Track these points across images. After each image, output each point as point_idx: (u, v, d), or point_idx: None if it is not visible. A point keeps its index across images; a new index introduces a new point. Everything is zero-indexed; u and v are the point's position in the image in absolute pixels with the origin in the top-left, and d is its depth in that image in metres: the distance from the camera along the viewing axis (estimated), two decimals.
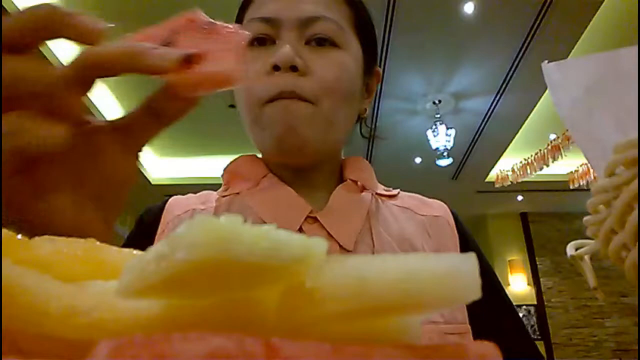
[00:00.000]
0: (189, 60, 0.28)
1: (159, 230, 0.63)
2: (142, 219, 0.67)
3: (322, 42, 0.60)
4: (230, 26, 0.34)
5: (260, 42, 0.61)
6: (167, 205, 0.66)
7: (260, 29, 0.61)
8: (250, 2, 0.66)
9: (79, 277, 0.17)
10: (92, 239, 0.20)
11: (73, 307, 0.15)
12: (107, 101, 4.98)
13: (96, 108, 4.79)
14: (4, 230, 0.18)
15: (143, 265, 0.14)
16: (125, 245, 0.65)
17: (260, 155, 0.69)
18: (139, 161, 0.33)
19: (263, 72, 0.58)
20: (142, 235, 0.63)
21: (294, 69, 0.57)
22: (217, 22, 0.35)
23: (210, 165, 5.93)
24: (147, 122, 0.32)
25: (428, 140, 5.13)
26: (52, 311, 0.15)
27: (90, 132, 0.31)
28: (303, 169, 0.64)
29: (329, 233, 0.58)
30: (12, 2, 3.57)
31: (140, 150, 0.33)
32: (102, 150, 0.31)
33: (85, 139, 0.30)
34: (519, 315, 0.65)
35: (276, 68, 0.57)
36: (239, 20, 0.67)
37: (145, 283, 0.13)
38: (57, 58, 4.11)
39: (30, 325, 0.15)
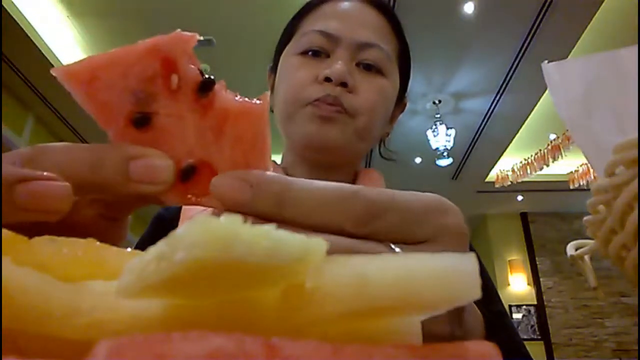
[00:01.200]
0: (184, 178, 0.25)
1: (180, 226, 0.63)
2: (161, 216, 0.69)
3: (370, 67, 0.65)
4: (241, 100, 0.26)
5: (315, 53, 0.65)
6: None
7: (319, 41, 0.64)
8: (307, 13, 0.69)
9: (79, 277, 0.17)
10: (92, 239, 0.20)
11: (73, 307, 0.15)
12: None
13: None
14: (4, 230, 0.18)
15: (143, 266, 0.14)
16: (141, 242, 0.66)
17: (278, 162, 0.72)
18: (125, 224, 0.31)
19: (312, 80, 0.62)
20: (162, 232, 0.64)
21: (343, 85, 0.61)
22: (221, 87, 0.26)
23: None
24: (131, 200, 0.29)
25: (428, 140, 5.13)
26: (52, 311, 0.15)
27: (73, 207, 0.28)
28: (321, 166, 0.66)
29: None
30: (12, 2, 3.56)
31: (125, 217, 0.31)
32: (86, 224, 0.29)
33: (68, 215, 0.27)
34: (507, 315, 0.68)
35: (328, 80, 0.61)
36: (292, 27, 0.70)
37: (145, 283, 0.13)
38: (58, 60, 4.11)
39: (30, 325, 0.15)
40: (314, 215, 0.23)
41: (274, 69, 0.72)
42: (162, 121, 0.25)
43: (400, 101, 0.74)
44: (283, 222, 0.23)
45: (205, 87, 0.25)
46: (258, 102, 0.25)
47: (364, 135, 0.64)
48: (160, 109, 0.25)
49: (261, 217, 0.23)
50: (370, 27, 0.66)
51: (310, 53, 0.64)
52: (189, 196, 0.26)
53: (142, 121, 0.25)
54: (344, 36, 0.63)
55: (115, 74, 0.25)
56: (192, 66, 0.25)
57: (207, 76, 0.25)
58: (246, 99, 0.25)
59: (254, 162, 0.25)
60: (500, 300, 0.69)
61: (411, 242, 0.25)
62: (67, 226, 0.28)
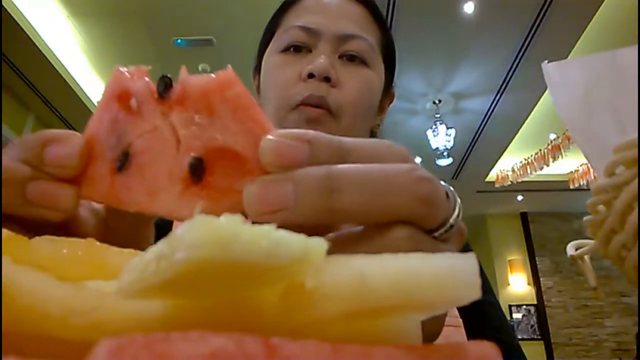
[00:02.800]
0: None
1: (174, 228, 0.64)
2: (155, 224, 0.68)
3: (354, 58, 0.64)
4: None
5: (296, 49, 0.64)
6: None
7: (300, 37, 0.64)
8: (289, 8, 0.68)
9: (79, 277, 0.17)
10: (92, 239, 0.20)
11: (73, 308, 0.15)
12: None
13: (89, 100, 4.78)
14: (4, 230, 0.18)
15: (143, 266, 0.14)
16: None
17: None
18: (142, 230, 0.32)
19: (296, 79, 0.62)
20: (157, 234, 0.64)
21: (326, 79, 0.61)
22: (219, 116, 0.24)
23: None
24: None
25: (428, 140, 5.14)
26: (52, 311, 0.15)
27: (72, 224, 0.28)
28: None
29: None
30: (12, 2, 3.57)
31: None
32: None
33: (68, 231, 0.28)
34: (503, 314, 0.68)
35: (311, 76, 0.60)
36: (274, 23, 0.70)
37: (145, 283, 0.13)
38: (59, 60, 4.11)
39: (30, 325, 0.15)
40: (372, 159, 0.23)
41: (257, 69, 0.72)
42: (139, 145, 0.24)
43: (388, 92, 0.74)
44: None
45: (164, 88, 0.24)
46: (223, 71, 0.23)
47: (350, 130, 0.63)
48: (133, 138, 0.24)
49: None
50: (352, 19, 0.65)
51: (292, 49, 0.64)
52: (213, 194, 0.23)
53: (123, 162, 0.24)
54: (325, 29, 0.63)
55: (94, 152, 0.24)
56: (143, 79, 0.24)
57: (163, 75, 0.24)
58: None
59: (262, 121, 0.23)
60: (492, 292, 0.70)
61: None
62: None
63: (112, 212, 0.30)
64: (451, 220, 0.24)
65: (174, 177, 0.23)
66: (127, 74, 0.24)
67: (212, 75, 0.23)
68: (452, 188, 0.25)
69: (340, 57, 0.64)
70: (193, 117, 0.23)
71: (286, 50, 0.64)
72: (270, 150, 0.22)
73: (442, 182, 0.24)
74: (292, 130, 0.22)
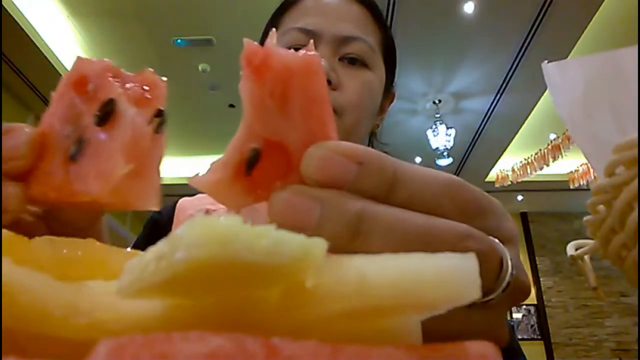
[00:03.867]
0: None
1: (173, 229, 0.64)
2: (154, 221, 0.68)
3: (354, 61, 0.63)
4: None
5: (296, 51, 0.64)
6: (177, 205, 0.69)
7: (299, 39, 0.63)
8: (288, 9, 0.68)
9: (79, 277, 0.17)
10: (92, 239, 0.20)
11: (73, 307, 0.15)
12: None
13: None
14: (4, 231, 0.18)
15: (143, 265, 0.14)
16: (135, 247, 0.66)
17: None
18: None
19: None
20: (156, 236, 0.64)
21: (327, 82, 0.60)
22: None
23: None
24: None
25: (428, 140, 5.13)
26: (52, 311, 0.15)
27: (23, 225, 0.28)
28: None
29: None
30: (12, 2, 3.56)
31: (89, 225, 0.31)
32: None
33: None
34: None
35: None
36: (273, 24, 0.69)
37: (145, 283, 0.13)
38: (59, 60, 4.11)
39: (30, 325, 0.15)
40: (423, 201, 0.21)
41: None
42: (95, 129, 0.22)
43: (388, 92, 0.73)
44: (387, 203, 0.20)
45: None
46: (309, 52, 0.21)
47: (352, 132, 0.63)
48: (90, 120, 0.23)
49: (365, 195, 0.20)
50: (351, 20, 0.65)
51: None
52: (259, 192, 0.21)
53: (77, 149, 0.23)
54: (325, 31, 0.62)
55: (49, 145, 0.23)
56: (101, 61, 0.23)
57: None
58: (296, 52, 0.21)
59: (326, 124, 0.20)
60: None
61: None
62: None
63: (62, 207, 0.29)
64: (492, 295, 0.21)
65: (231, 159, 0.21)
66: (85, 61, 0.23)
67: (297, 53, 0.21)
68: (508, 256, 0.22)
69: (340, 59, 0.63)
70: (266, 97, 0.20)
71: None
72: (315, 161, 0.20)
73: (498, 246, 0.22)
74: (349, 145, 0.20)
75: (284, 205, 0.20)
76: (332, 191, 0.20)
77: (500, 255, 0.22)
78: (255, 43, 0.21)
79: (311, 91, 0.20)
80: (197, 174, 0.21)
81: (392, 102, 0.76)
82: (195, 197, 0.70)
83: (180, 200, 0.69)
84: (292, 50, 0.21)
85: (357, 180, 0.20)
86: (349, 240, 0.19)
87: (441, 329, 0.19)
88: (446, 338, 0.20)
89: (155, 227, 0.68)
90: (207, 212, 0.66)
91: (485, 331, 0.22)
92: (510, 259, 0.22)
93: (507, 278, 0.22)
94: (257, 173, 0.21)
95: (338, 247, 0.19)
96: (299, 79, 0.20)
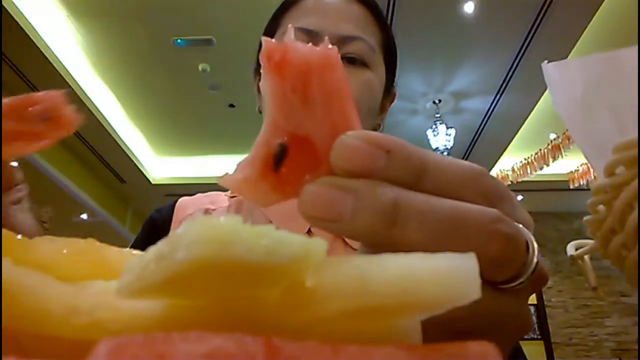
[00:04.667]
0: None
1: (172, 229, 0.64)
2: (153, 220, 0.68)
3: (354, 60, 0.64)
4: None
5: None
6: (177, 205, 0.69)
7: (300, 39, 0.65)
8: (288, 10, 0.68)
9: (79, 277, 0.17)
10: (92, 239, 0.20)
11: (73, 307, 0.15)
12: (109, 104, 4.96)
13: (99, 111, 4.78)
14: (4, 230, 0.18)
15: (143, 265, 0.14)
16: (135, 246, 0.66)
17: None
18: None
19: None
20: (155, 235, 0.64)
21: None
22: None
23: (210, 165, 5.93)
24: None
25: (428, 140, 5.13)
26: (52, 311, 0.15)
27: None
28: None
29: None
30: (12, 2, 3.56)
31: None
32: None
33: None
34: None
35: None
36: (274, 24, 0.69)
37: (145, 283, 0.13)
38: (59, 60, 4.11)
39: (30, 325, 0.15)
40: (450, 187, 0.21)
41: (258, 70, 0.71)
42: None
43: (389, 92, 0.74)
44: (416, 190, 0.20)
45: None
46: (327, 46, 0.21)
47: None
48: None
49: (394, 183, 0.20)
50: (352, 20, 0.65)
51: None
52: (288, 188, 0.21)
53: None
54: (325, 31, 0.63)
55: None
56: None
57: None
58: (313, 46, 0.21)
59: (349, 117, 0.20)
60: None
61: None
62: None
63: None
64: (521, 278, 0.21)
65: (258, 156, 0.21)
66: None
67: (315, 47, 0.21)
68: (534, 240, 0.22)
69: (340, 59, 0.63)
70: (287, 92, 0.20)
71: None
72: (343, 150, 0.20)
73: (524, 230, 0.22)
74: (375, 134, 0.20)
75: (315, 199, 0.19)
76: (364, 181, 0.19)
77: (526, 238, 0.22)
78: (273, 40, 0.21)
79: (332, 84, 0.20)
80: (226, 174, 0.21)
81: (392, 101, 0.76)
82: (195, 196, 0.70)
83: (180, 200, 0.70)
84: (310, 45, 0.21)
85: (387, 168, 0.20)
86: (386, 229, 0.19)
87: (473, 314, 0.19)
88: (478, 325, 0.21)
89: (154, 227, 0.68)
90: (207, 211, 0.66)
91: (515, 315, 0.22)
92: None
93: (535, 260, 0.22)
94: (285, 168, 0.21)
95: (374, 238, 0.19)
96: (318, 73, 0.20)
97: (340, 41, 0.63)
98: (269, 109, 0.21)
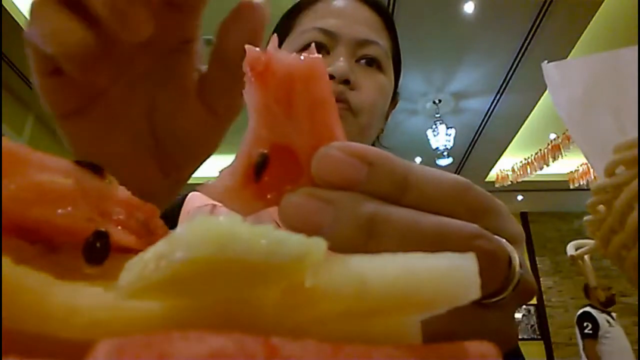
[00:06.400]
0: None
1: (180, 221, 0.65)
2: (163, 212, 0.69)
3: (371, 63, 0.66)
4: None
5: (317, 48, 0.66)
6: (187, 198, 0.70)
7: (318, 38, 0.65)
8: (303, 10, 0.69)
9: (80, 277, 0.17)
10: None
11: (73, 307, 0.15)
12: None
13: None
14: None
15: (143, 265, 0.14)
16: None
17: None
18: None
19: None
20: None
21: (346, 82, 0.62)
22: None
23: (210, 164, 5.93)
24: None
25: (428, 140, 5.14)
26: (52, 311, 0.15)
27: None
28: None
29: None
30: (12, 2, 3.57)
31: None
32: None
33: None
34: None
35: (331, 77, 0.62)
36: (288, 23, 0.70)
37: (145, 283, 0.13)
38: None
39: (30, 325, 0.15)
40: (433, 202, 0.21)
41: None
42: None
43: (393, 98, 0.76)
44: (398, 204, 0.20)
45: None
46: (312, 55, 0.20)
47: (365, 133, 0.64)
48: None
49: (376, 196, 0.20)
50: (367, 24, 0.67)
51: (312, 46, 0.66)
52: (268, 196, 0.21)
53: None
54: (344, 33, 0.64)
55: None
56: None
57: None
58: (298, 55, 0.20)
59: (332, 127, 0.20)
60: None
61: None
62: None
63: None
64: (503, 294, 0.21)
65: (240, 166, 0.21)
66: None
67: (300, 56, 0.20)
68: (516, 255, 0.22)
69: (357, 60, 0.65)
70: (271, 103, 0.20)
71: (304, 49, 0.65)
72: (324, 162, 0.20)
73: (506, 245, 0.22)
74: (358, 146, 0.20)
75: (295, 209, 0.19)
76: (344, 193, 0.19)
77: (509, 254, 0.22)
78: (257, 49, 0.21)
79: (316, 94, 0.20)
80: (206, 182, 0.21)
81: (394, 108, 0.79)
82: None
83: (190, 194, 0.71)
84: (295, 54, 0.21)
85: (368, 181, 0.20)
86: (362, 242, 0.19)
87: (454, 329, 0.19)
88: (460, 339, 0.21)
89: (163, 217, 0.68)
90: (214, 207, 0.67)
91: (498, 330, 0.22)
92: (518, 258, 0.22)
93: (517, 276, 0.22)
94: (266, 178, 0.21)
95: (351, 249, 0.19)
96: (303, 83, 0.20)
97: (358, 44, 0.65)
98: (252, 119, 0.21)
